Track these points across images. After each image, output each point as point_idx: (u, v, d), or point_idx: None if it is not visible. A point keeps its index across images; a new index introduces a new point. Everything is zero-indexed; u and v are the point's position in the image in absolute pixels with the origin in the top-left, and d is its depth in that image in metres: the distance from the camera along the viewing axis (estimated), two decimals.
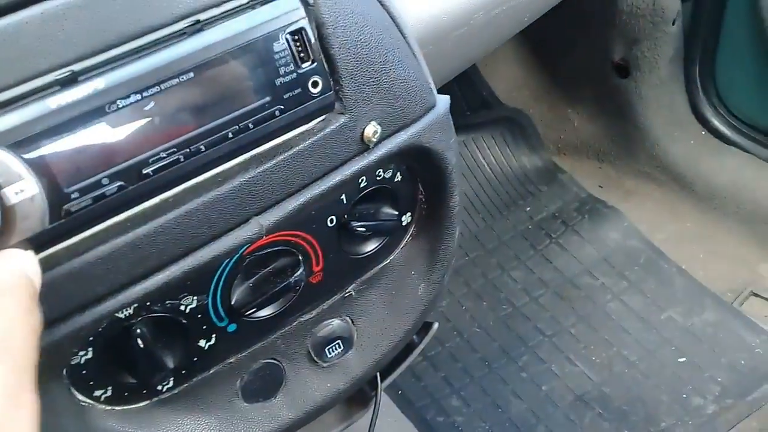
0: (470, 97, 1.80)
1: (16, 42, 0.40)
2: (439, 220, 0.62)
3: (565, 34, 1.63)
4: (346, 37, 0.50)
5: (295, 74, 0.47)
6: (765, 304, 1.37)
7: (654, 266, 1.45)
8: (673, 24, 1.44)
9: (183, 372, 0.54)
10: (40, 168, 0.39)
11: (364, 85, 0.51)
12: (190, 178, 0.46)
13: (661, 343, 1.32)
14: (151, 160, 0.43)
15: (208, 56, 0.44)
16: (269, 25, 0.46)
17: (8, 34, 0.39)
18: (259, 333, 0.57)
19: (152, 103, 0.42)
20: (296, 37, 0.47)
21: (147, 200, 0.45)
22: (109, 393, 0.50)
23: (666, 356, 1.30)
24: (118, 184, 0.42)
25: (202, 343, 0.53)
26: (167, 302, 0.49)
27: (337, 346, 0.61)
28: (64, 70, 0.41)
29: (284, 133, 0.49)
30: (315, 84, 0.49)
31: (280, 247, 0.54)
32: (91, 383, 0.49)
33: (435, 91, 0.58)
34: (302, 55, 0.48)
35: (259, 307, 0.54)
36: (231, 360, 0.56)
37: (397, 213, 0.60)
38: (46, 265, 0.41)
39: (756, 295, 1.38)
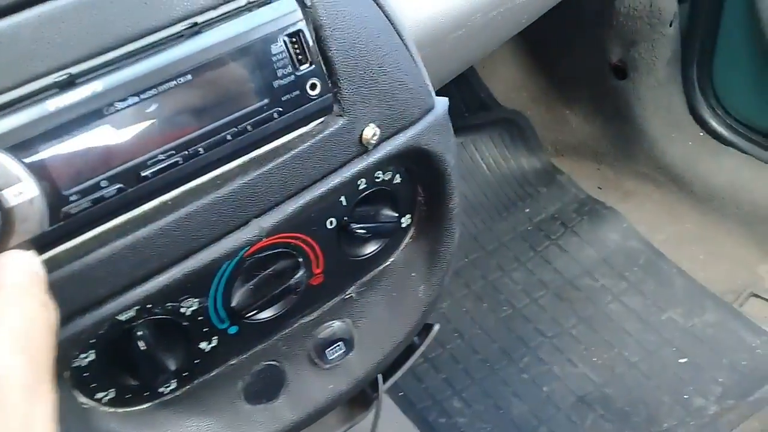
0: (468, 98, 1.80)
1: (13, 45, 0.40)
2: (439, 221, 0.62)
3: (562, 35, 1.63)
4: (343, 40, 0.50)
5: (293, 76, 0.47)
6: (765, 305, 1.36)
7: (654, 267, 1.45)
8: (671, 25, 1.44)
9: (185, 374, 0.54)
10: (39, 170, 0.39)
11: (362, 87, 0.51)
12: (189, 181, 0.46)
13: (661, 344, 1.32)
14: (149, 163, 0.43)
15: (205, 58, 0.44)
16: (267, 27, 0.46)
17: (6, 36, 0.39)
18: (260, 335, 0.57)
19: (150, 106, 0.42)
20: (294, 40, 0.47)
21: (146, 203, 0.45)
22: (111, 395, 0.51)
23: (667, 357, 1.30)
24: (117, 186, 0.42)
25: (203, 345, 0.53)
26: (168, 304, 0.49)
27: (338, 347, 0.61)
28: (61, 72, 0.41)
29: (283, 136, 0.49)
30: (313, 86, 0.49)
31: (280, 250, 0.54)
32: (93, 385, 0.49)
33: (433, 93, 0.58)
34: (300, 57, 0.48)
35: (260, 309, 0.54)
36: (232, 362, 0.56)
37: (396, 215, 0.60)
38: (45, 268, 0.41)
39: (756, 296, 1.38)
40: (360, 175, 0.54)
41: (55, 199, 0.40)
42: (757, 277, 1.40)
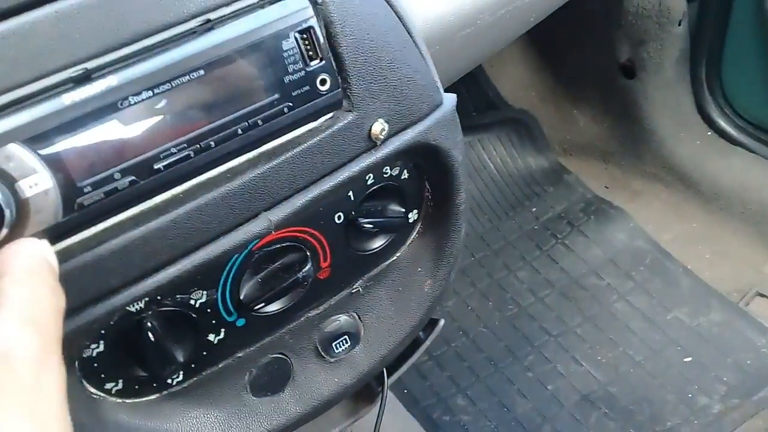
0: (476, 97, 1.80)
1: (31, 40, 0.40)
2: (446, 217, 0.63)
3: (571, 35, 1.64)
4: (353, 36, 0.50)
5: (303, 72, 0.48)
6: None
7: (660, 267, 1.45)
8: (679, 25, 1.44)
9: (192, 366, 0.55)
10: (53, 162, 0.40)
11: (371, 82, 0.52)
12: (201, 174, 0.47)
13: (667, 343, 1.32)
14: (162, 156, 0.44)
15: (218, 54, 0.45)
16: (278, 23, 0.47)
17: (24, 32, 0.40)
18: (267, 328, 0.58)
19: (163, 100, 0.43)
20: (305, 36, 0.48)
21: (158, 195, 0.45)
22: (119, 386, 0.51)
23: (672, 356, 1.30)
24: (130, 178, 0.43)
25: (211, 337, 0.54)
26: (178, 296, 0.50)
27: (344, 341, 0.62)
28: (77, 67, 0.42)
29: (293, 130, 0.50)
30: (323, 82, 0.49)
31: (288, 243, 0.54)
32: (103, 376, 0.50)
33: (441, 90, 0.58)
34: (311, 53, 0.48)
35: (268, 302, 0.55)
36: (239, 354, 0.57)
37: (404, 210, 0.61)
38: (59, 258, 0.42)
39: (762, 295, 1.38)
40: (368, 170, 0.54)
41: (70, 191, 0.41)
42: (763, 277, 1.40)
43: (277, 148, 0.50)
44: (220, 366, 0.56)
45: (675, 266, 1.45)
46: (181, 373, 0.54)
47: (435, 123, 0.57)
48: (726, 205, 1.51)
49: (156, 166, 0.44)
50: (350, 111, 0.51)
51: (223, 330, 0.54)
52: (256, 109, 0.47)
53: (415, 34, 0.56)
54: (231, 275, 0.52)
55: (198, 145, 0.45)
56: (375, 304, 0.64)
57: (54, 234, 0.41)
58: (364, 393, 0.74)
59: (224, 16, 0.46)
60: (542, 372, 1.32)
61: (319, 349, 0.61)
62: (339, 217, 0.57)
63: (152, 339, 0.49)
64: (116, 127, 0.42)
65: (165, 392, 0.54)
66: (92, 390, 0.50)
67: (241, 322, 0.55)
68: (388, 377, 0.72)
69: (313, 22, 0.48)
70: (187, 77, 0.44)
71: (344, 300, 0.62)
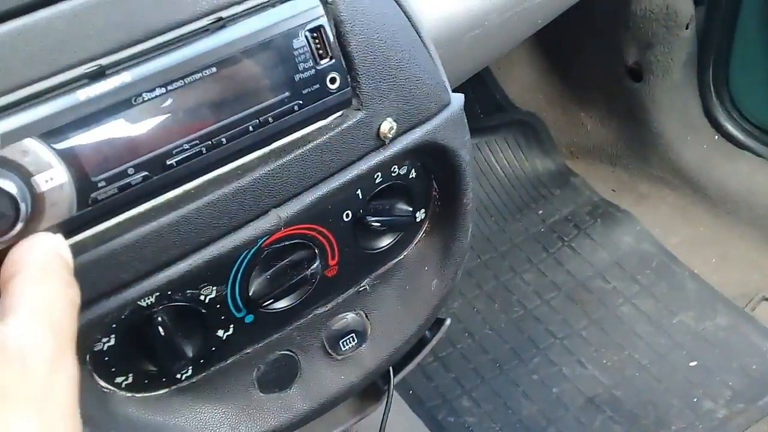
0: (483, 99, 1.81)
1: (47, 36, 0.41)
2: (453, 216, 0.63)
3: (578, 37, 1.64)
4: (363, 35, 0.51)
5: (313, 70, 0.49)
6: None
7: (666, 270, 1.45)
8: (687, 28, 1.44)
9: (201, 361, 0.55)
10: (68, 157, 0.41)
11: (380, 82, 0.52)
12: (212, 170, 0.47)
13: (672, 347, 1.32)
14: (174, 152, 0.44)
15: (230, 52, 0.45)
16: (289, 22, 0.47)
17: (40, 28, 0.41)
18: (275, 324, 0.58)
19: (176, 97, 0.44)
20: (315, 35, 0.48)
21: (171, 190, 0.46)
22: (129, 380, 0.52)
23: (677, 360, 1.30)
24: (143, 174, 0.43)
25: (220, 333, 0.55)
26: (188, 291, 0.51)
27: (351, 339, 0.62)
28: (92, 64, 0.42)
29: (303, 128, 0.50)
30: (333, 80, 0.50)
31: (297, 240, 0.55)
32: (113, 370, 0.51)
33: (450, 90, 0.59)
34: (321, 52, 0.49)
35: (276, 299, 0.55)
36: (248, 350, 0.58)
37: (411, 209, 0.61)
38: (73, 252, 0.43)
39: None
40: (376, 168, 0.55)
41: (84, 185, 0.41)
42: None
43: (287, 146, 0.50)
44: (228, 362, 0.57)
45: (681, 270, 1.45)
46: (190, 368, 0.55)
47: (443, 122, 0.57)
48: (733, 209, 1.51)
49: (168, 162, 0.44)
50: (359, 109, 0.52)
51: (231, 326, 0.55)
52: (267, 106, 0.47)
53: (424, 34, 0.57)
54: (240, 271, 0.53)
55: (210, 142, 0.45)
56: (382, 303, 0.64)
57: (68, 228, 0.42)
58: (370, 391, 0.74)
59: (236, 14, 0.47)
60: (547, 374, 1.32)
61: (326, 346, 0.62)
62: (347, 215, 0.57)
63: (162, 334, 0.49)
64: (130, 123, 0.43)
65: (174, 387, 0.55)
66: (102, 384, 0.51)
67: (249, 319, 0.56)
68: (394, 376, 0.72)
69: (324, 21, 0.49)
70: (200, 74, 0.44)
71: (351, 298, 0.62)
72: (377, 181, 0.57)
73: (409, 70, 0.54)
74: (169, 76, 0.43)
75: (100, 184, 0.42)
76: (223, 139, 0.46)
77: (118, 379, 0.52)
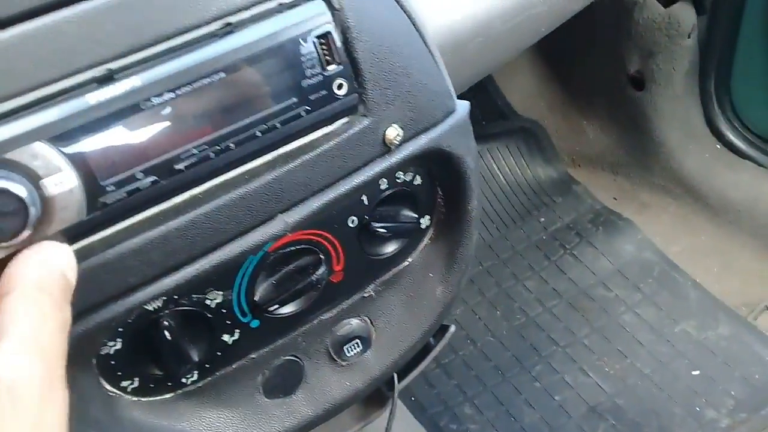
0: (485, 107, 1.81)
1: (57, 40, 0.41)
2: (458, 223, 0.63)
3: (580, 45, 1.64)
4: (370, 42, 0.51)
5: (321, 76, 0.49)
6: None
7: (668, 279, 1.45)
8: (689, 37, 1.45)
9: (207, 366, 0.55)
10: (78, 161, 0.41)
11: (386, 88, 0.52)
12: (220, 175, 0.47)
13: (674, 355, 1.32)
14: (183, 156, 0.44)
15: (238, 57, 0.45)
16: (297, 28, 0.48)
17: (50, 31, 0.41)
18: (280, 330, 0.58)
19: (185, 101, 0.44)
20: (322, 41, 0.49)
21: (179, 195, 0.46)
22: (135, 384, 0.52)
23: (680, 369, 1.30)
24: (152, 178, 0.44)
25: (225, 337, 0.55)
26: (194, 296, 0.51)
27: (355, 345, 0.62)
28: (101, 68, 0.42)
29: (309, 134, 0.50)
30: (340, 86, 0.50)
31: (303, 246, 0.55)
32: (119, 374, 0.51)
33: (455, 97, 0.59)
34: (328, 58, 0.49)
35: (282, 304, 0.55)
36: (253, 355, 0.58)
37: (416, 215, 0.61)
38: (81, 256, 0.43)
39: None
40: (382, 174, 0.55)
41: (93, 189, 0.42)
42: None
43: (294, 151, 0.50)
44: (233, 367, 0.57)
45: (683, 279, 1.45)
46: (196, 372, 0.55)
47: (448, 129, 0.57)
48: (735, 218, 1.51)
49: (177, 167, 0.44)
50: (365, 116, 0.52)
51: (237, 331, 0.55)
52: (274, 111, 0.47)
53: (429, 41, 0.57)
54: (246, 277, 0.53)
55: (218, 147, 0.46)
56: (387, 309, 0.64)
57: (77, 232, 0.42)
58: (374, 398, 0.74)
59: (244, 20, 0.47)
60: (550, 382, 1.32)
61: (331, 352, 0.62)
62: (353, 221, 0.57)
63: (169, 338, 0.49)
64: (139, 127, 0.43)
65: (179, 391, 0.55)
66: (109, 388, 0.51)
67: (255, 324, 0.56)
68: (398, 382, 0.72)
69: (331, 27, 0.49)
70: (209, 79, 0.44)
71: (356, 304, 0.62)
72: (382, 187, 0.58)
73: (415, 77, 0.54)
74: (178, 80, 0.44)
75: (109, 188, 0.42)
76: (231, 144, 0.46)
77: (124, 383, 0.52)
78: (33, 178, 0.39)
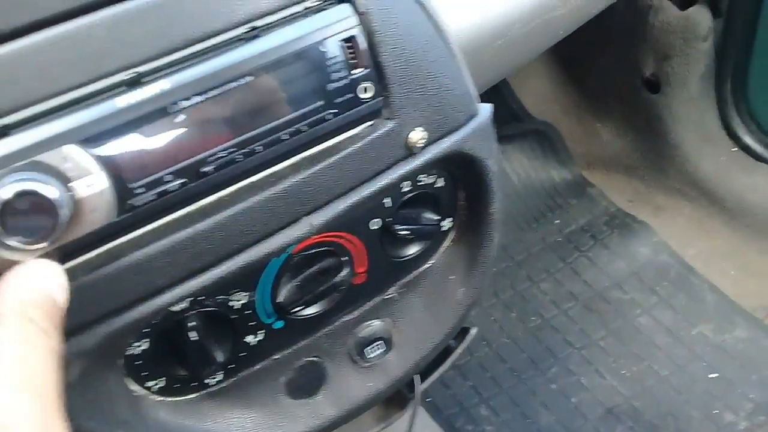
0: (500, 109, 1.79)
1: (87, 43, 0.42)
2: (479, 226, 0.63)
3: (595, 48, 1.64)
4: (394, 45, 0.51)
5: (347, 80, 0.49)
6: None
7: (684, 282, 1.45)
8: (705, 40, 1.44)
9: (231, 366, 0.56)
10: (108, 164, 0.41)
11: (410, 91, 0.53)
12: (246, 177, 0.48)
13: (691, 358, 1.32)
14: (210, 159, 0.45)
15: (265, 61, 0.46)
16: (323, 32, 0.48)
17: (80, 35, 0.42)
18: (303, 331, 0.59)
19: (213, 105, 0.44)
20: (348, 45, 0.49)
21: (206, 197, 0.46)
22: (161, 384, 0.52)
23: (697, 372, 1.29)
24: (181, 181, 0.44)
25: (249, 338, 0.55)
26: (219, 297, 0.51)
27: (378, 346, 0.63)
28: (130, 71, 0.43)
29: (335, 136, 0.51)
30: (365, 90, 0.50)
31: (326, 248, 0.55)
32: (145, 374, 0.51)
33: (478, 100, 0.59)
34: (353, 61, 0.49)
35: (305, 306, 0.56)
36: (276, 356, 0.58)
37: (438, 218, 0.61)
38: (110, 257, 0.43)
39: None
40: (405, 177, 0.55)
41: (123, 192, 0.42)
42: None
43: (319, 154, 0.51)
44: (257, 368, 0.57)
45: (700, 282, 1.44)
46: (220, 373, 0.55)
47: (471, 132, 0.58)
48: (751, 221, 1.50)
49: (204, 170, 0.45)
50: (390, 119, 0.52)
51: (261, 332, 0.55)
52: (300, 115, 0.48)
53: (452, 45, 0.57)
54: (270, 278, 0.53)
55: (245, 150, 0.46)
56: (409, 311, 0.64)
57: (106, 234, 0.43)
58: (395, 399, 0.74)
59: (270, 23, 0.47)
60: (566, 384, 1.31)
61: (353, 353, 0.62)
62: (376, 224, 0.58)
63: (194, 338, 0.50)
64: (167, 130, 0.43)
65: (204, 392, 0.55)
66: (134, 388, 0.51)
67: (278, 325, 0.56)
68: (419, 384, 0.73)
69: (357, 31, 0.49)
70: (236, 83, 0.45)
71: (379, 305, 0.63)
72: (405, 189, 0.58)
73: (438, 80, 0.54)
74: (206, 84, 0.44)
75: (138, 191, 0.43)
76: (258, 147, 0.47)
77: (150, 383, 0.52)
78: (63, 180, 0.40)
